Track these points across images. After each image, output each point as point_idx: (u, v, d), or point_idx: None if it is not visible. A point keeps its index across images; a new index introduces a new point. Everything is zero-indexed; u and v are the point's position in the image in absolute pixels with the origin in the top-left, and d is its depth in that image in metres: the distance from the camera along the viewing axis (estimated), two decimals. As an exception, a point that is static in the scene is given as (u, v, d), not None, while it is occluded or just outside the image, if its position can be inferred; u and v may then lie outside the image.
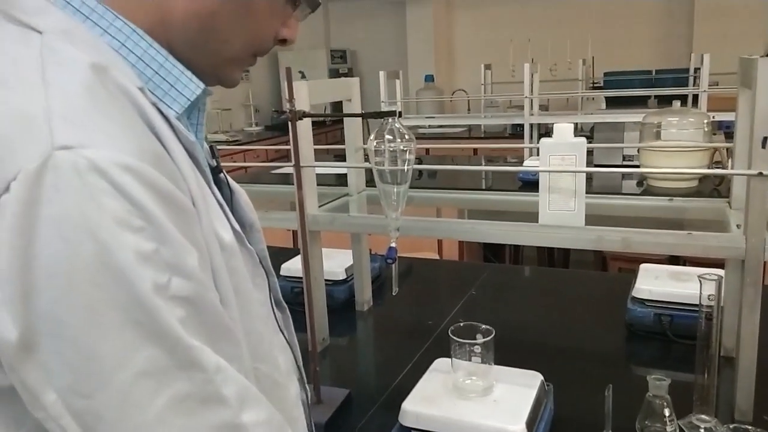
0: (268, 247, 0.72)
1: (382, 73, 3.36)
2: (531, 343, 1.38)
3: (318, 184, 1.33)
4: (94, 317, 0.42)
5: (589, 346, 1.37)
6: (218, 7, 0.55)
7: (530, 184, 2.58)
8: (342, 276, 1.59)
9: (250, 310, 0.59)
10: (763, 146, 0.90)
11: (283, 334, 0.68)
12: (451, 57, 6.12)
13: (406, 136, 0.96)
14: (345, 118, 1.45)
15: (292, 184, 1.10)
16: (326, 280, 1.52)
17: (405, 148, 0.96)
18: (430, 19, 5.84)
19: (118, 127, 0.45)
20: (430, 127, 4.80)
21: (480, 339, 0.99)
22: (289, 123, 1.01)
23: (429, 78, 5.52)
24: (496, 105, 4.82)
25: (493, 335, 0.99)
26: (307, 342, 1.34)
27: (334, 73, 6.16)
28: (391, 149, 0.96)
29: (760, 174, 0.91)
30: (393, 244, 1.01)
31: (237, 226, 0.61)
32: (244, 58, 0.61)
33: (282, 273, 1.61)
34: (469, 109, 5.31)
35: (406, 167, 0.98)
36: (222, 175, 0.67)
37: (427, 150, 4.95)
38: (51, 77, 0.45)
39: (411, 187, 0.99)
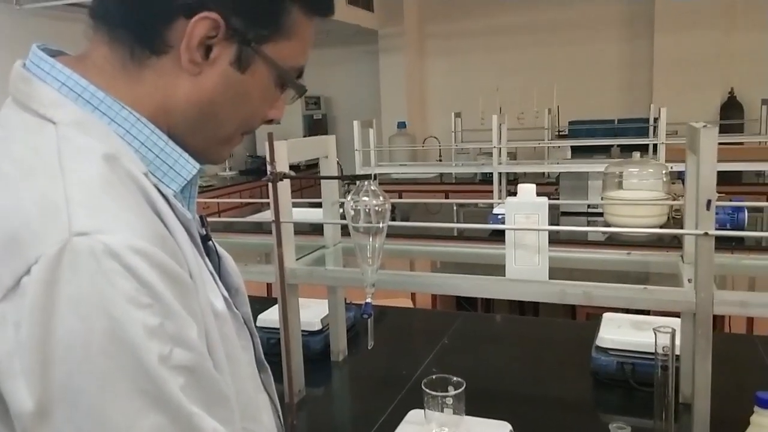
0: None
1: (356, 123, 3.45)
2: (501, 392, 1.43)
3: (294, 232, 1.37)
4: (105, 386, 0.46)
5: (556, 393, 1.42)
6: (217, 96, 0.61)
7: (500, 231, 2.67)
8: (318, 326, 1.62)
9: (239, 372, 0.64)
10: (708, 208, 0.99)
11: (267, 392, 0.72)
12: (423, 104, 6.29)
13: (381, 198, 1.03)
14: (322, 172, 1.52)
15: (267, 232, 1.14)
16: (302, 330, 1.56)
17: (380, 209, 1.02)
18: (402, 67, 6.01)
19: (129, 213, 0.50)
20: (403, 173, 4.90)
21: (452, 391, 1.04)
22: (270, 184, 1.07)
23: (401, 125, 5.65)
24: (466, 152, 4.96)
25: (463, 387, 1.03)
26: (284, 394, 1.37)
27: (309, 119, 6.27)
28: (367, 210, 1.02)
29: (706, 234, 0.99)
30: (369, 300, 1.06)
31: (225, 293, 0.66)
32: (236, 138, 0.67)
33: (258, 324, 1.64)
34: (440, 156, 5.44)
35: (381, 225, 1.04)
36: (210, 242, 0.72)
37: (400, 194, 5.06)
38: (68, 166, 0.50)
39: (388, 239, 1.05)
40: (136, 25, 0.58)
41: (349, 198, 1.03)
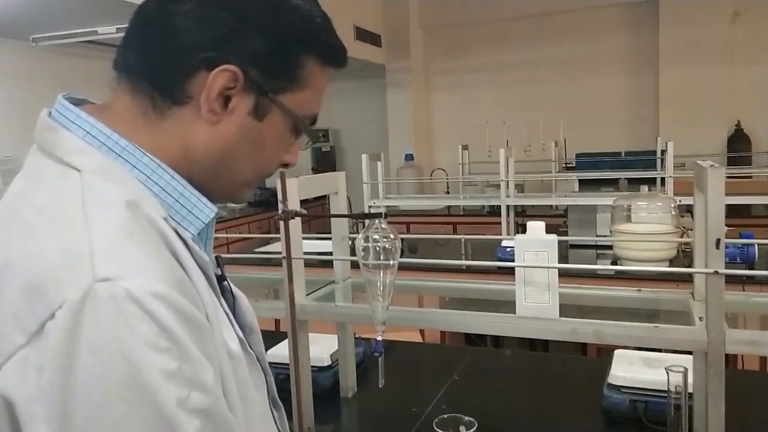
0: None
1: (364, 156, 3.49)
2: (512, 430, 1.41)
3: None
4: (123, 430, 0.47)
5: (568, 431, 1.40)
6: (234, 144, 0.63)
7: (508, 260, 2.66)
8: (327, 362, 1.62)
9: (252, 412, 0.64)
10: (717, 247, 0.99)
11: (279, 431, 0.72)
12: (430, 137, 6.34)
13: (391, 236, 1.04)
14: (332, 208, 1.53)
15: (276, 265, 1.15)
16: (311, 366, 1.56)
17: (390, 247, 1.03)
18: (409, 101, 6.09)
19: (150, 258, 0.52)
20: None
21: (463, 431, 1.03)
22: (282, 222, 1.08)
23: (409, 157, 5.69)
24: (474, 184, 4.98)
25: (475, 427, 1.03)
26: (293, 431, 1.36)
27: (317, 152, 6.33)
28: (377, 248, 1.03)
29: (716, 272, 0.99)
30: (379, 338, 1.06)
31: (240, 332, 0.66)
32: (254, 182, 0.69)
33: (268, 359, 1.64)
34: (448, 188, 5.46)
35: (392, 263, 1.05)
36: (226, 282, 0.73)
37: (408, 226, 5.07)
38: (91, 214, 0.52)
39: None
40: (157, 77, 0.60)
41: (360, 236, 1.04)
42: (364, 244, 1.03)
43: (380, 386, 1.09)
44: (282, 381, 1.47)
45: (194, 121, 0.61)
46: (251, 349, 0.74)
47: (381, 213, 1.03)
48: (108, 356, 0.47)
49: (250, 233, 4.89)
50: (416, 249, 3.85)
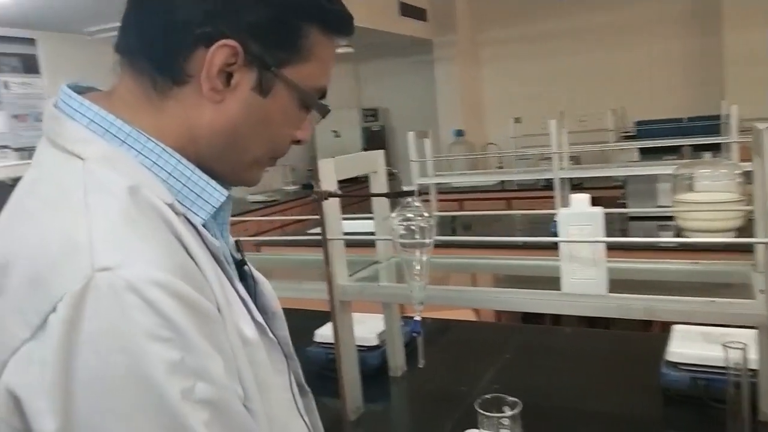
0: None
1: (410, 134, 3.44)
2: (564, 410, 1.37)
3: (348, 246, 1.37)
4: (128, 424, 0.46)
5: (624, 411, 1.35)
6: (240, 122, 0.61)
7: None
8: (375, 342, 1.61)
9: (271, 398, 0.63)
10: (778, 214, 0.92)
11: (303, 419, 0.71)
12: (481, 112, 6.21)
13: (425, 214, 1.01)
14: (372, 188, 1.51)
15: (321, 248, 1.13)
16: (359, 346, 1.56)
17: (424, 225, 1.00)
18: (457, 75, 5.97)
19: (151, 246, 0.51)
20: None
21: (507, 412, 1.00)
22: (317, 203, 1.07)
23: (459, 133, 5.60)
24: (527, 158, 4.86)
25: (519, 408, 1.00)
26: (342, 411, 1.36)
27: (367, 131, 6.31)
28: (412, 227, 1.01)
29: (778, 241, 0.92)
30: (417, 317, 1.04)
31: (260, 318, 0.65)
32: (265, 161, 0.67)
33: (316, 339, 1.65)
34: (501, 163, 5.36)
35: (427, 241, 1.02)
36: (246, 267, 0.72)
37: (461, 203, 5.00)
38: (92, 202, 0.51)
39: (443, 251, 1.02)
40: (156, 57, 0.59)
41: (393, 215, 1.01)
42: (398, 224, 1.01)
43: (420, 366, 1.07)
44: (331, 361, 1.48)
45: (197, 101, 0.60)
46: (273, 333, 0.73)
47: (412, 191, 1.00)
48: (108, 349, 0.46)
49: (301, 215, 4.94)
50: (470, 226, 3.79)
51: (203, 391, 0.49)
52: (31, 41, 3.90)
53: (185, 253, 0.54)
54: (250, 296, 0.72)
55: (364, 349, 1.57)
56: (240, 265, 0.72)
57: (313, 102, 0.65)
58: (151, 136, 0.59)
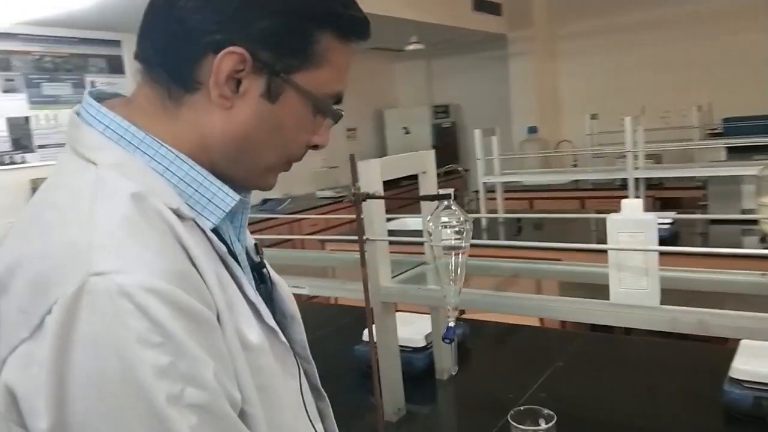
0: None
1: (477, 132, 3.38)
2: (613, 425, 1.30)
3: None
4: (119, 425, 0.47)
5: (678, 429, 1.27)
6: (250, 128, 0.61)
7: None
8: (421, 343, 1.59)
9: (280, 404, 0.63)
10: None
11: (313, 425, 0.70)
12: (556, 108, 6.02)
13: (461, 217, 0.98)
14: (420, 189, 1.49)
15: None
16: (405, 347, 1.54)
17: (459, 229, 0.98)
18: (533, 70, 5.82)
19: (149, 252, 0.51)
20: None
21: (542, 425, 0.96)
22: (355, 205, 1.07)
23: (532, 129, 5.46)
24: (604, 156, 4.66)
25: (554, 421, 0.95)
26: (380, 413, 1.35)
27: (437, 128, 6.27)
28: (447, 230, 0.98)
29: None
30: (451, 323, 1.02)
31: (272, 322, 0.65)
32: (279, 166, 0.67)
33: (364, 338, 1.65)
34: (575, 161, 5.17)
35: (463, 245, 0.99)
36: (265, 270, 0.72)
37: (531, 202, 4.87)
38: (96, 209, 0.52)
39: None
40: (169, 65, 0.60)
41: (429, 218, 0.99)
42: (432, 227, 0.98)
43: (453, 373, 1.05)
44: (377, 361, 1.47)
45: (208, 108, 0.60)
46: (287, 337, 0.72)
47: (449, 194, 0.98)
48: (100, 352, 0.47)
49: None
50: (542, 226, 3.68)
51: (192, 395, 0.49)
52: (116, 43, 4.12)
53: (186, 258, 0.55)
54: (268, 299, 0.72)
55: (409, 350, 1.55)
56: (258, 267, 0.72)
57: (326, 108, 0.64)
58: (165, 142, 0.60)
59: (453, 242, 0.98)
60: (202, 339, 0.51)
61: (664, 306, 1.03)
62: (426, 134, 6.21)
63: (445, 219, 0.98)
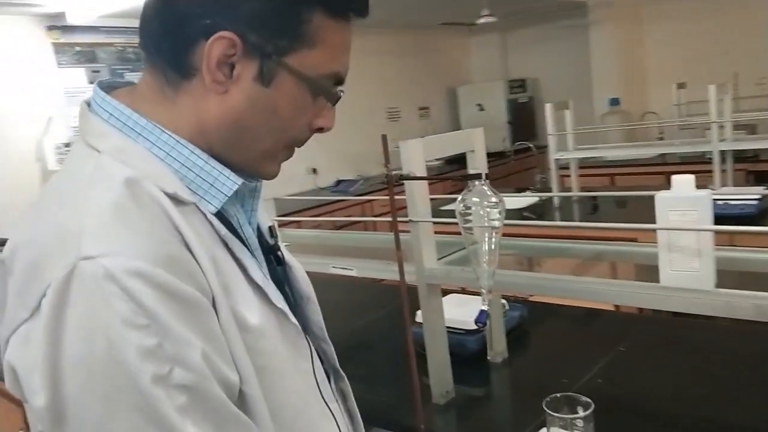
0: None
1: (548, 106, 3.25)
2: (669, 416, 1.23)
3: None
4: (108, 404, 0.49)
5: (743, 421, 1.18)
6: (244, 113, 0.61)
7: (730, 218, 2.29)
8: (474, 326, 1.56)
9: (285, 385, 0.64)
10: None
11: (327, 404, 0.71)
12: (640, 77, 5.69)
13: (493, 198, 0.95)
14: (469, 168, 1.46)
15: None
16: (458, 329, 1.52)
17: (491, 210, 0.94)
18: (615, 39, 5.51)
19: (137, 236, 0.52)
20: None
21: (581, 412, 0.92)
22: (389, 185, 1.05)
23: (614, 101, 5.20)
24: (692, 127, 4.37)
25: (591, 409, 0.91)
26: (430, 395, 1.35)
27: (513, 104, 6.09)
28: (478, 211, 0.95)
29: None
30: (485, 307, 0.99)
31: (280, 303, 0.65)
32: (279, 151, 0.67)
33: (417, 319, 1.64)
34: (661, 133, 4.88)
35: (496, 225, 0.96)
36: (279, 253, 0.73)
37: (612, 178, 4.65)
38: (91, 195, 0.54)
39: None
40: (164, 52, 0.61)
41: (459, 198, 0.96)
42: (462, 208, 0.96)
43: (489, 359, 1.02)
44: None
45: (204, 94, 0.61)
46: (304, 318, 0.73)
47: (480, 174, 0.94)
48: (89, 333, 0.49)
49: (444, 193, 4.93)
50: (626, 203, 3.50)
51: (180, 376, 0.51)
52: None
53: (179, 241, 0.56)
54: (283, 281, 0.73)
55: (462, 333, 1.53)
56: (273, 250, 0.73)
57: (322, 89, 0.63)
58: (166, 128, 0.61)
59: (486, 223, 0.95)
60: (190, 321, 0.52)
61: (718, 290, 0.95)
62: (501, 110, 6.06)
63: (476, 199, 0.95)
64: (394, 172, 1.19)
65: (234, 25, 0.58)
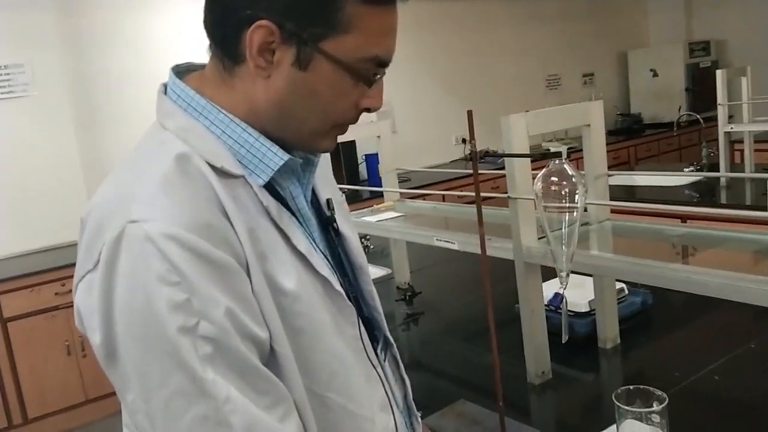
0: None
1: (719, 72, 2.92)
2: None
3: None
4: (146, 346, 0.58)
5: None
6: (285, 96, 0.66)
7: None
8: (584, 308, 1.50)
9: (322, 347, 0.69)
10: None
11: (374, 366, 0.75)
12: None
13: (573, 178, 0.91)
14: (584, 144, 1.39)
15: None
16: (569, 311, 1.48)
17: (570, 191, 0.91)
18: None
19: (178, 205, 0.60)
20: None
21: (656, 406, 0.87)
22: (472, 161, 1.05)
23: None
24: None
25: (665, 403, 0.85)
26: (526, 373, 1.34)
27: (693, 69, 5.50)
28: (557, 191, 0.92)
29: None
30: (561, 290, 0.96)
31: (323, 271, 0.70)
32: (327, 131, 0.71)
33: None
34: None
35: (578, 205, 0.93)
36: (335, 224, 0.78)
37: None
38: (146, 167, 0.63)
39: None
40: (218, 39, 0.67)
41: (538, 177, 0.94)
42: (540, 186, 0.93)
43: (563, 342, 0.99)
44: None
45: (254, 78, 0.66)
46: (356, 286, 0.77)
47: (560, 152, 0.91)
48: (132, 284, 0.58)
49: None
50: None
51: (206, 328, 0.58)
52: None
53: (219, 211, 0.62)
54: (336, 252, 0.78)
55: (571, 315, 1.48)
56: (329, 222, 0.78)
57: (357, 73, 0.66)
58: (224, 108, 0.68)
59: (563, 203, 0.92)
60: (218, 281, 0.59)
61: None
62: (678, 76, 5.52)
63: (554, 179, 0.92)
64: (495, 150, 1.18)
65: (272, 14, 0.62)
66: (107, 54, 3.52)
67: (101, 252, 0.59)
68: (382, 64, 0.68)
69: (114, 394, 0.64)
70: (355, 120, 0.72)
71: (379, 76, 0.68)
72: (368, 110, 0.71)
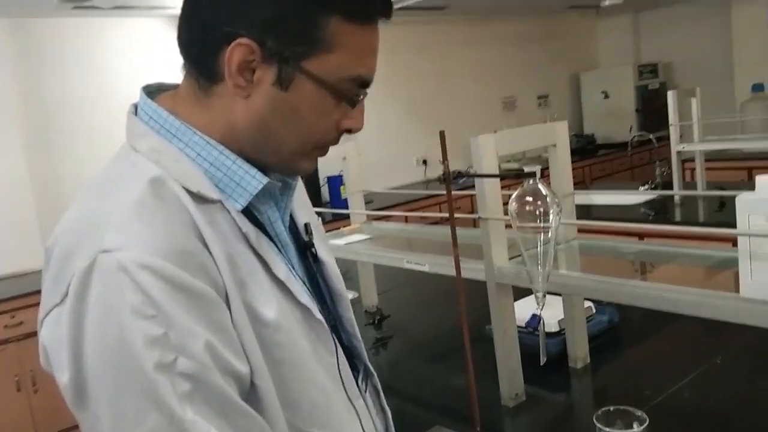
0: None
1: (670, 93, 3.02)
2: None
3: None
4: (119, 384, 0.54)
5: None
6: (266, 115, 0.64)
7: None
8: (554, 328, 1.51)
9: (303, 377, 0.66)
10: None
11: (349, 398, 0.72)
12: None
13: (547, 198, 0.91)
14: (550, 164, 1.40)
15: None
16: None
17: (544, 211, 0.91)
18: (762, 16, 4.97)
19: (152, 232, 0.57)
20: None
21: (636, 427, 0.87)
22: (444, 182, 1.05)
23: (758, 87, 4.70)
24: None
25: (645, 424, 0.85)
26: (499, 396, 1.33)
27: (642, 90, 5.69)
28: (531, 210, 0.92)
29: None
30: (538, 311, 0.96)
31: (303, 299, 0.67)
32: (308, 152, 0.68)
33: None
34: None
35: (552, 226, 0.92)
36: (313, 249, 0.75)
37: (750, 172, 4.22)
38: (117, 191, 0.60)
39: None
40: (193, 58, 0.65)
41: (512, 197, 0.94)
42: (514, 206, 0.93)
43: (541, 364, 0.99)
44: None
45: (232, 98, 0.63)
46: (335, 314, 0.75)
47: (534, 172, 0.91)
48: (104, 319, 0.54)
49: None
50: None
51: (184, 365, 0.54)
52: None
53: (196, 237, 0.59)
54: (315, 278, 0.75)
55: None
56: (307, 247, 0.75)
57: (340, 93, 0.64)
58: (199, 130, 0.65)
59: (538, 223, 0.91)
60: (196, 312, 0.56)
61: (807, 305, 0.85)
62: (628, 97, 5.70)
63: (529, 198, 0.92)
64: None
65: (252, 32, 0.60)
66: (58, 75, 3.42)
67: (70, 284, 0.55)
68: (364, 84, 0.66)
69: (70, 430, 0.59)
70: (336, 141, 0.70)
71: (361, 96, 0.67)
72: (349, 131, 0.69)
